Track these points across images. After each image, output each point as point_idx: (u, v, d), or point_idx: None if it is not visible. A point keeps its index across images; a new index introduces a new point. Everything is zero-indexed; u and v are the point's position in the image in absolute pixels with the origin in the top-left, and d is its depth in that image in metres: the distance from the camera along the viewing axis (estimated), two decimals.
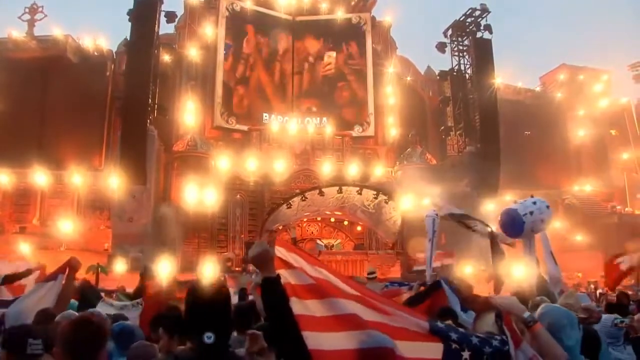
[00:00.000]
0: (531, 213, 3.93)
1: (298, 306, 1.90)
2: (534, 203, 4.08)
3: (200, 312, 1.86)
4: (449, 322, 2.75)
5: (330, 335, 1.91)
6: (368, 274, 8.14)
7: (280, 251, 1.98)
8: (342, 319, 1.94)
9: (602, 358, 2.75)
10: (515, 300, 2.15)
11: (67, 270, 4.07)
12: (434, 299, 4.02)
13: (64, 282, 4.02)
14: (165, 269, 13.53)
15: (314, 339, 1.86)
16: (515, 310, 2.08)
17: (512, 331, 1.98)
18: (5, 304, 4.20)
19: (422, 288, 6.29)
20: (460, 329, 2.13)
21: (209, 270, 11.88)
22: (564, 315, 2.18)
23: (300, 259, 2.02)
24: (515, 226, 3.92)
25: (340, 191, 16.61)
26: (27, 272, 6.00)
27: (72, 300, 4.76)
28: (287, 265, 1.99)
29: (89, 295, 5.70)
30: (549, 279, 5.20)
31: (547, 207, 4.09)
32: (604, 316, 3.48)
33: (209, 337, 1.76)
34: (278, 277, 1.87)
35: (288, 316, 1.81)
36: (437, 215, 7.18)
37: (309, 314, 1.94)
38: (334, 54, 23.64)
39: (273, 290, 1.83)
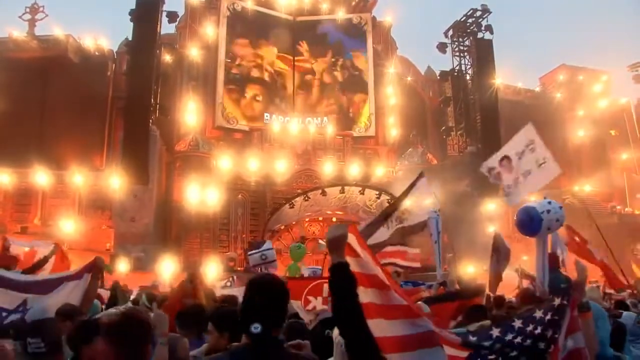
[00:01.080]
0: (548, 212, 3.96)
1: (362, 294, 1.94)
2: (549, 203, 4.11)
3: (260, 306, 1.89)
4: (483, 322, 2.78)
5: (390, 323, 1.97)
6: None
7: (351, 238, 2.00)
8: (398, 308, 2.01)
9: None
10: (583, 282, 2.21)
11: (92, 270, 4.10)
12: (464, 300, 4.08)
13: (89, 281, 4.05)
14: (169, 268, 13.66)
15: (376, 326, 1.91)
16: (581, 291, 2.14)
17: (573, 317, 2.03)
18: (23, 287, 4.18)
19: (441, 288, 6.34)
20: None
21: (212, 270, 11.90)
22: (598, 308, 2.21)
23: (364, 250, 2.06)
24: (534, 223, 3.94)
25: (342, 191, 16.66)
26: (45, 260, 6.06)
27: (95, 301, 4.83)
28: (355, 253, 2.02)
29: (117, 295, 5.83)
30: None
31: (561, 207, 4.12)
32: (625, 313, 3.51)
33: (255, 328, 1.79)
34: (347, 262, 1.90)
35: (355, 301, 1.84)
36: (438, 215, 7.19)
37: (371, 301, 2.00)
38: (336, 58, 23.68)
39: (344, 274, 1.85)
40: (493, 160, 6.16)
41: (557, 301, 2.11)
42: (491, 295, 5.74)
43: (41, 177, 18.62)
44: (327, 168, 20.00)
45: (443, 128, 22.37)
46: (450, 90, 22.34)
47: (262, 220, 19.27)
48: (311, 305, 4.87)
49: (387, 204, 17.21)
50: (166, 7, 19.37)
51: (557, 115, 25.55)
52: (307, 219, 18.85)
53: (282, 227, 18.68)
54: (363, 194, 16.79)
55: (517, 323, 2.08)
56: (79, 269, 4.31)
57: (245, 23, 22.64)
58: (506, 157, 5.96)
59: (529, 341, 2.04)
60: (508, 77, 24.78)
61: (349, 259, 1.96)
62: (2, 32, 21.04)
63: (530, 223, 3.96)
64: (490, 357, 2.02)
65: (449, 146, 23.13)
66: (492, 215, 20.16)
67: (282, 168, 19.81)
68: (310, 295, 4.96)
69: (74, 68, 20.37)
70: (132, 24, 18.34)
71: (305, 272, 9.13)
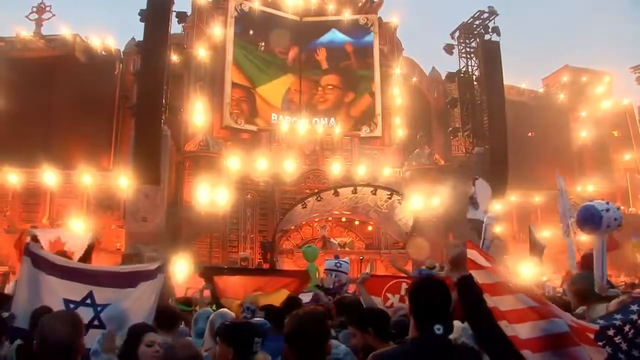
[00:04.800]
0: (607, 210, 4.07)
1: (488, 301, 2.06)
2: (607, 203, 4.22)
3: (428, 306, 1.99)
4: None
5: (518, 326, 2.08)
6: (429, 268, 8.28)
7: (471, 253, 2.15)
8: (528, 311, 2.12)
9: None
10: None
11: (164, 270, 4.16)
12: None
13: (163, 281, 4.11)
14: (182, 269, 13.69)
15: (504, 328, 2.03)
16: None
17: None
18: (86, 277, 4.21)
19: None
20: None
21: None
22: None
23: (485, 261, 2.19)
24: (594, 219, 4.06)
25: (355, 191, 16.74)
26: (90, 250, 6.07)
27: None
28: (477, 266, 2.15)
29: None
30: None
31: (618, 208, 4.23)
32: None
33: (438, 329, 1.89)
34: (471, 275, 2.03)
35: (485, 308, 1.96)
36: (494, 220, 7.29)
37: (495, 306, 2.11)
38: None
39: (470, 286, 1.99)
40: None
41: None
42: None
43: (49, 176, 18.61)
44: (335, 168, 20.08)
45: (450, 129, 22.48)
46: (457, 92, 22.45)
47: (271, 220, 19.34)
48: (389, 302, 5.06)
49: (397, 205, 17.36)
50: (174, 7, 19.40)
51: (560, 116, 25.78)
52: (316, 219, 18.94)
53: (292, 228, 18.76)
54: (375, 194, 16.88)
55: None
56: (149, 266, 4.34)
57: (252, 23, 22.67)
58: None
59: None
60: (512, 77, 24.99)
61: (472, 272, 2.12)
62: (10, 32, 21.05)
63: (591, 219, 4.07)
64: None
65: (453, 147, 23.28)
66: (498, 215, 20.34)
67: (290, 168, 19.87)
68: (389, 292, 5.12)
69: (81, 68, 20.36)
70: (140, 23, 18.25)
71: (329, 265, 8.99)
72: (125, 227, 17.09)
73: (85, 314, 3.77)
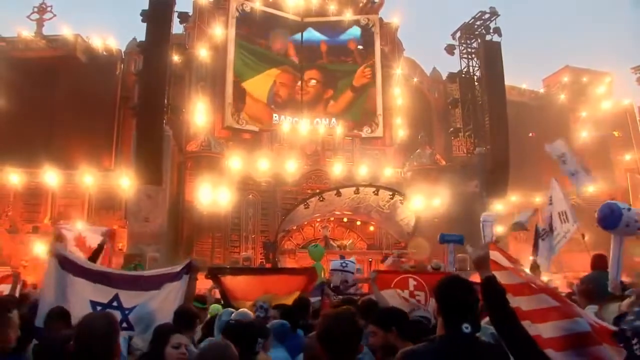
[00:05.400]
0: (628, 209, 4.09)
1: (511, 302, 2.08)
2: (629, 205, 4.24)
3: (457, 305, 2.01)
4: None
5: (541, 326, 2.10)
6: (434, 268, 8.31)
7: (494, 255, 2.18)
8: (549, 310, 2.13)
9: None
10: None
11: (189, 271, 4.17)
12: None
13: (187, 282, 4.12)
14: None
15: (527, 327, 2.04)
16: None
17: None
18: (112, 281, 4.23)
19: None
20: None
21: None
22: None
23: (507, 262, 2.22)
24: (614, 216, 4.07)
25: (357, 192, 16.75)
26: (100, 249, 6.11)
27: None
28: (500, 267, 2.18)
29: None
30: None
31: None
32: None
33: (466, 327, 1.91)
34: (494, 276, 2.06)
35: (508, 308, 1.99)
36: (494, 220, 7.30)
37: (518, 306, 2.14)
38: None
39: (494, 287, 2.02)
40: (561, 147, 6.59)
41: None
42: None
43: (51, 176, 18.62)
44: (337, 168, 20.11)
45: (451, 129, 22.50)
46: (458, 92, 22.47)
47: (273, 220, 19.35)
48: None
49: (400, 205, 17.38)
50: (176, 7, 19.36)
51: (560, 116, 25.81)
52: (318, 219, 18.94)
53: (294, 228, 18.77)
54: (377, 194, 16.89)
55: None
56: (174, 269, 4.37)
57: (253, 24, 22.66)
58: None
59: None
60: (512, 78, 25.01)
61: (495, 273, 2.15)
62: (11, 32, 21.03)
63: (610, 215, 4.09)
64: None
65: (455, 147, 23.30)
66: (499, 215, 20.37)
67: (292, 168, 19.89)
68: (398, 287, 5.11)
69: (83, 68, 20.37)
70: (140, 24, 18.21)
71: (334, 265, 9.01)
72: (128, 227, 17.07)
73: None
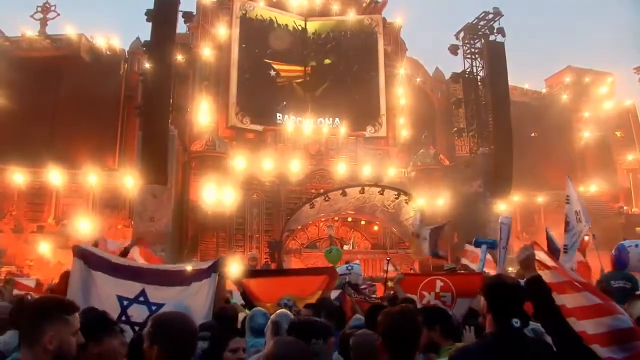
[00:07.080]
0: (636, 246, 4.16)
1: (556, 300, 2.14)
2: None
3: (507, 301, 2.05)
4: None
5: (586, 322, 2.16)
6: (446, 270, 8.31)
7: (539, 255, 2.24)
8: (593, 307, 2.19)
9: None
10: None
11: (218, 269, 4.17)
12: None
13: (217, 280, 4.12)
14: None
15: (572, 324, 2.10)
16: None
17: None
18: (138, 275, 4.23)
19: None
20: None
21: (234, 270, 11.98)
22: None
23: (551, 261, 2.28)
24: (621, 257, 4.16)
25: (362, 191, 16.77)
26: (125, 252, 6.11)
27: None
28: (545, 266, 2.24)
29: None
30: None
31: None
32: None
33: (516, 322, 1.95)
34: (540, 275, 2.12)
35: (554, 306, 2.05)
36: (509, 222, 7.29)
37: (563, 304, 2.19)
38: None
39: (540, 286, 2.08)
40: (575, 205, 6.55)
41: None
42: None
43: (54, 176, 18.64)
44: (340, 168, 20.13)
45: (454, 129, 22.54)
46: (461, 92, 22.51)
47: (277, 220, 19.38)
48: (425, 300, 5.09)
49: (404, 205, 17.42)
50: (180, 7, 19.37)
51: (563, 116, 25.90)
52: (322, 219, 18.97)
53: (299, 228, 18.79)
54: (382, 194, 16.93)
55: None
56: (201, 265, 4.38)
57: (257, 23, 22.68)
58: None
59: None
60: (515, 78, 25.05)
61: (541, 272, 2.22)
62: (15, 32, 21.04)
63: (618, 257, 4.16)
64: None
65: (458, 147, 23.34)
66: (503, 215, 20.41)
67: (296, 168, 19.91)
68: (425, 290, 5.14)
69: (86, 67, 20.41)
70: (144, 23, 18.14)
71: (341, 270, 9.11)
72: (133, 227, 17.08)
73: (141, 312, 3.83)
